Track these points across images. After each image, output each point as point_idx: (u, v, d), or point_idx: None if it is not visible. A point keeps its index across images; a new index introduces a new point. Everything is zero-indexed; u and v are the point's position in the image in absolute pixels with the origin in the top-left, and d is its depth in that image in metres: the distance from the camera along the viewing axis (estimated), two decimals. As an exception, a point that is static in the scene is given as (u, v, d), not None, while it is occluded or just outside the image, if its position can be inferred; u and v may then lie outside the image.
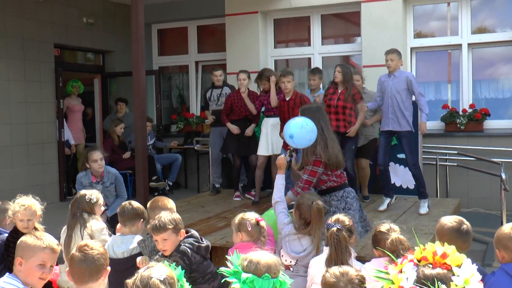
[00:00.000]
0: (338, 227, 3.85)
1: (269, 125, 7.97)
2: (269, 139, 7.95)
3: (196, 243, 4.05)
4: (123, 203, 4.68)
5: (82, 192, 4.94)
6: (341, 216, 4.08)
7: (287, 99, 7.57)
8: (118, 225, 4.70)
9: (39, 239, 3.30)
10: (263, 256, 2.83)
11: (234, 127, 8.35)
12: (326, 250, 3.94)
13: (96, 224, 4.72)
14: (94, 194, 4.89)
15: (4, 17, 8.96)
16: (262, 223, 4.40)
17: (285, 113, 7.54)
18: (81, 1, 10.47)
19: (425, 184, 7.32)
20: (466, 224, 3.70)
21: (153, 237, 4.03)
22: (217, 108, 8.91)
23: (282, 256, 4.51)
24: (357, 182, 7.85)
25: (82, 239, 4.43)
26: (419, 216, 7.01)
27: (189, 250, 3.95)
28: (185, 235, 4.10)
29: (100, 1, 10.91)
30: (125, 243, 4.45)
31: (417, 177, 7.32)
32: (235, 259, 2.84)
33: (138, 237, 4.51)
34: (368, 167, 8.09)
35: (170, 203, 4.67)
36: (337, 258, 3.75)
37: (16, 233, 4.55)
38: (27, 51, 9.36)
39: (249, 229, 4.34)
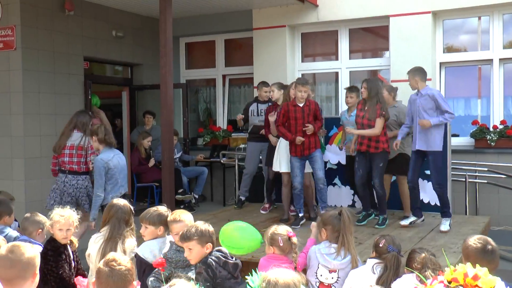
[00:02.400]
0: (397, 251, 3.95)
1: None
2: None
3: (223, 258, 4.02)
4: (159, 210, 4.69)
5: (122, 201, 4.82)
6: (394, 238, 4.18)
7: (301, 105, 7.52)
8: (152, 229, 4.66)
9: None
10: (282, 275, 2.79)
11: (275, 139, 8.28)
12: (370, 264, 4.14)
13: (130, 241, 4.67)
14: (130, 204, 4.86)
15: (36, 30, 9.10)
16: (294, 239, 4.37)
17: (297, 119, 7.51)
18: (110, 15, 10.59)
19: (449, 203, 7.25)
20: (491, 244, 3.59)
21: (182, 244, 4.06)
22: (259, 124, 8.88)
23: (321, 275, 4.47)
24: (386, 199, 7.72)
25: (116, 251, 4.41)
26: (447, 234, 6.89)
27: (214, 263, 3.93)
28: (212, 248, 4.06)
29: (129, 14, 11.02)
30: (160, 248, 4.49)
31: (441, 197, 7.24)
32: (256, 279, 2.81)
33: (169, 238, 4.56)
34: (406, 183, 7.75)
35: (181, 216, 4.56)
36: (392, 279, 3.90)
37: (54, 243, 4.60)
38: (57, 64, 9.49)
39: (281, 244, 4.35)
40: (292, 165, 7.65)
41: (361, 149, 7.37)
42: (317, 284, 4.49)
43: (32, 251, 3.04)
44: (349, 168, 8.23)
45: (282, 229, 4.43)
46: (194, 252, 3.99)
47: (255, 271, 2.92)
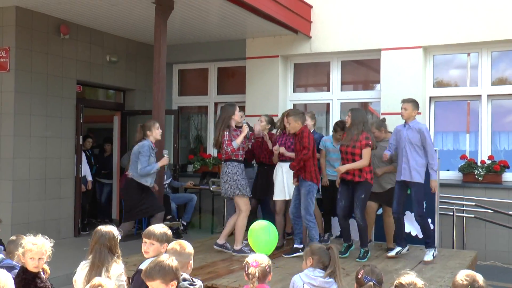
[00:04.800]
0: (374, 282, 3.88)
1: (284, 169, 7.91)
2: (285, 183, 7.89)
3: (191, 286, 3.96)
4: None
5: (107, 228, 4.67)
6: (373, 267, 4.10)
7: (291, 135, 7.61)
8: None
9: None
10: None
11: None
12: None
13: (116, 268, 4.60)
14: (116, 230, 4.79)
15: (30, 53, 9.16)
16: (250, 269, 4.28)
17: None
18: (105, 40, 10.67)
19: (433, 234, 7.31)
20: (479, 283, 3.57)
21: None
22: None
23: None
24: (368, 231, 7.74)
25: None
26: (434, 267, 6.90)
27: None
28: (176, 285, 3.93)
29: (123, 40, 11.11)
30: None
31: (424, 228, 7.29)
32: None
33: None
34: (391, 216, 7.74)
35: (188, 247, 4.52)
36: None
37: (26, 272, 4.51)
38: (50, 86, 9.52)
39: (246, 272, 4.29)
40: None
41: (346, 178, 7.40)
42: None
43: (4, 276, 3.01)
44: (326, 198, 8.37)
45: (252, 258, 4.40)
46: None
47: None
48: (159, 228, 4.64)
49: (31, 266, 4.49)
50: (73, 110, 9.97)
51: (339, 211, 7.54)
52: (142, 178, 7.77)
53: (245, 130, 7.73)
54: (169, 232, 4.66)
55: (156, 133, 7.84)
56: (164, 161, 8.00)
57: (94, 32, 10.37)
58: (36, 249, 4.48)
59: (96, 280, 3.10)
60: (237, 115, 7.82)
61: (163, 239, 4.56)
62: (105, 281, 3.13)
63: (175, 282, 3.80)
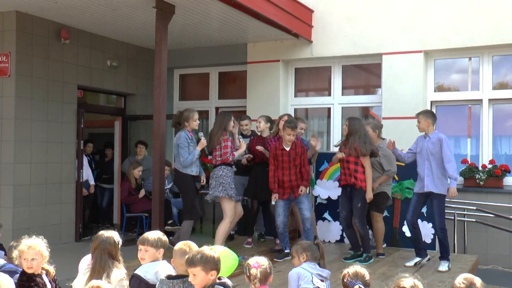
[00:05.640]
0: (360, 285, 3.85)
1: None
2: None
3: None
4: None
5: (108, 233, 4.67)
6: (358, 269, 4.04)
7: (287, 149, 7.61)
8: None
9: None
10: None
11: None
12: None
13: (117, 273, 4.59)
14: (118, 235, 4.78)
15: (31, 58, 9.16)
16: (252, 271, 4.32)
17: (284, 162, 7.61)
18: (105, 45, 10.68)
19: (448, 248, 7.26)
20: (476, 285, 3.54)
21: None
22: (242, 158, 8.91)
23: (317, 282, 4.71)
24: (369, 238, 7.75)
25: None
26: (435, 272, 6.89)
27: None
28: (216, 275, 4.01)
29: (124, 44, 11.12)
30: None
31: (442, 241, 7.25)
32: None
33: (163, 262, 4.55)
34: (381, 221, 7.93)
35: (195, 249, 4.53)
36: None
37: (22, 276, 4.52)
38: (51, 91, 9.53)
39: (247, 274, 4.32)
40: (276, 204, 7.68)
41: (342, 184, 7.59)
42: None
43: (6, 280, 3.03)
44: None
45: (253, 260, 4.43)
46: (198, 278, 3.97)
47: None
48: (154, 234, 4.67)
49: (25, 267, 4.51)
50: (74, 115, 9.97)
51: (341, 221, 7.78)
52: (188, 169, 7.80)
53: (243, 147, 7.92)
54: (164, 237, 4.67)
55: (193, 124, 7.88)
56: (202, 143, 7.97)
57: (94, 37, 10.38)
58: (27, 250, 4.51)
59: (94, 283, 3.10)
60: (230, 125, 7.94)
61: (158, 245, 4.59)
62: (103, 283, 3.13)
63: (215, 272, 3.96)
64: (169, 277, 4.14)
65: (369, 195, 7.42)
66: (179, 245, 4.33)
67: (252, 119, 9.30)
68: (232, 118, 7.96)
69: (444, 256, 7.18)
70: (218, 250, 4.27)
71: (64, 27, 9.65)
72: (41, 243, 4.60)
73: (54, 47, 9.58)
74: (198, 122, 8.02)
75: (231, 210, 7.74)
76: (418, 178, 7.36)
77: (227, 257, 4.67)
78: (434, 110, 9.91)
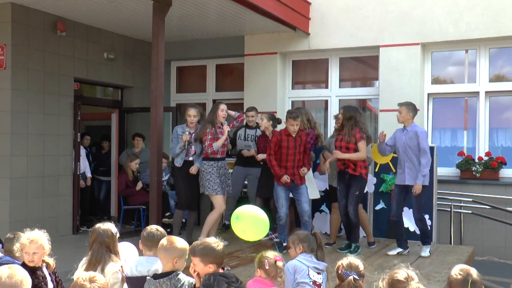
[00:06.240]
0: (354, 276, 3.82)
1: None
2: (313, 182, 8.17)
3: (226, 284, 3.93)
4: (150, 229, 4.63)
5: (104, 226, 4.63)
6: (352, 260, 4.03)
7: (293, 135, 7.62)
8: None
9: None
10: None
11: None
12: None
13: (112, 266, 4.56)
14: (114, 227, 4.74)
15: (27, 50, 9.13)
16: (279, 264, 4.39)
17: (289, 148, 7.58)
18: (102, 37, 10.65)
19: (430, 232, 7.62)
20: (473, 276, 3.55)
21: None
22: (245, 148, 8.99)
23: (313, 275, 4.70)
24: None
25: None
26: (432, 263, 6.94)
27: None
28: (214, 269, 3.97)
29: (121, 37, 11.09)
30: (150, 262, 4.42)
31: (423, 230, 7.53)
32: None
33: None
34: (362, 211, 8.12)
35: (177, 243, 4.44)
36: None
37: (24, 267, 4.51)
38: (47, 84, 9.50)
39: (267, 267, 4.35)
40: (278, 195, 7.67)
41: (341, 168, 7.58)
42: (311, 283, 4.66)
43: (22, 273, 3.07)
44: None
45: (271, 253, 4.46)
46: (197, 268, 3.99)
47: None
48: (155, 232, 4.60)
49: (26, 261, 4.51)
50: (70, 107, 9.95)
51: (341, 210, 7.75)
52: (175, 160, 8.39)
53: (226, 132, 8.01)
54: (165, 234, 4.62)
55: (188, 120, 8.28)
56: (184, 137, 8.19)
57: (91, 29, 10.34)
58: (29, 244, 4.50)
59: (85, 274, 3.13)
60: (220, 114, 8.02)
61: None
62: (97, 274, 3.14)
63: (213, 266, 3.91)
64: (155, 277, 4.07)
65: (339, 156, 7.49)
66: (163, 241, 4.23)
67: (258, 111, 9.30)
68: (220, 107, 8.09)
69: (425, 241, 7.47)
70: (244, 220, 4.33)
71: (60, 19, 9.61)
72: (43, 236, 4.60)
73: (50, 39, 9.55)
74: (194, 118, 8.21)
75: (219, 203, 8.08)
76: (397, 170, 7.54)
77: (260, 221, 4.83)
78: (431, 103, 9.94)
